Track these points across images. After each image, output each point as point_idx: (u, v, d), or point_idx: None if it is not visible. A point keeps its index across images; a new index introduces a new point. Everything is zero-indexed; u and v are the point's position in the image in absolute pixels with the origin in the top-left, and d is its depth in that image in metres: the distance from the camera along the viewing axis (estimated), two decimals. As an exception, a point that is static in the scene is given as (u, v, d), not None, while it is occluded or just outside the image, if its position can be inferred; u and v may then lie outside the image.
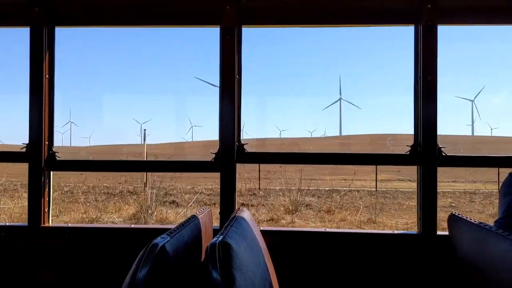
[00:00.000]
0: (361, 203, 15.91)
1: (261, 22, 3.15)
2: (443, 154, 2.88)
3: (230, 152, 2.95)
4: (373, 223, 12.94)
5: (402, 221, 13.16)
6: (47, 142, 3.07)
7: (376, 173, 21.89)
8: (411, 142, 2.96)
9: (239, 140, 3.00)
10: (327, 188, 19.07)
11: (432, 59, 2.87)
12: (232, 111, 2.96)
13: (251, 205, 15.44)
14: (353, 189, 19.15)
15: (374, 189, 20.32)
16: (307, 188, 17.96)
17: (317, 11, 3.05)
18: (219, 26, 2.99)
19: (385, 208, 15.27)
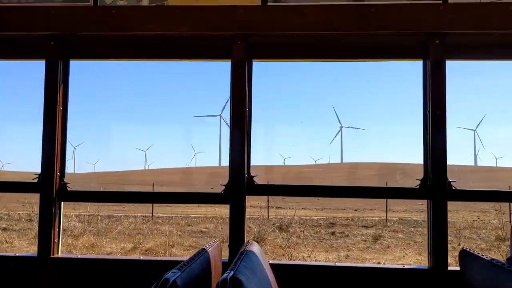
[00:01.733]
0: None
1: (271, 57, 3.23)
2: (453, 188, 2.88)
3: (240, 184, 2.97)
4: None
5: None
6: (58, 173, 3.11)
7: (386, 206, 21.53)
8: (421, 174, 2.97)
9: (249, 173, 3.02)
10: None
11: (441, 93, 2.91)
12: (242, 144, 2.99)
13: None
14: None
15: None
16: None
17: (326, 47, 3.12)
18: (230, 60, 3.05)
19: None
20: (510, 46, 3.02)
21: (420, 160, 2.99)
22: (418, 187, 2.95)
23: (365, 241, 14.69)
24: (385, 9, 2.93)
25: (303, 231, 15.69)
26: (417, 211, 23.46)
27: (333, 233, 15.83)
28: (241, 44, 3.02)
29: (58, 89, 3.09)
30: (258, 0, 3.01)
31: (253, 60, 3.11)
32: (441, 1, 2.91)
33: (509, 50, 3.05)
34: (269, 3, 3.01)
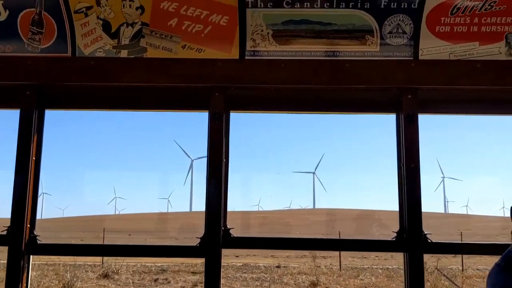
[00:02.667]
0: None
1: (248, 109, 3.27)
2: (429, 241, 2.90)
3: (216, 237, 2.92)
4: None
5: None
6: (28, 225, 3.01)
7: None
8: (397, 223, 2.99)
9: (225, 225, 2.98)
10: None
11: (414, 147, 2.98)
12: (219, 196, 2.97)
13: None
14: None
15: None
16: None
17: (303, 100, 3.18)
18: (208, 111, 3.08)
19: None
20: (478, 101, 3.13)
21: (396, 207, 3.03)
22: (394, 239, 2.96)
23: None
24: (359, 65, 3.03)
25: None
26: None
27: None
28: (219, 96, 3.05)
29: (32, 139, 3.04)
30: (236, 54, 3.07)
31: (230, 111, 3.15)
32: (412, 58, 3.02)
33: (478, 105, 3.16)
34: (247, 57, 3.08)
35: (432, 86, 3.02)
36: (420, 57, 3.01)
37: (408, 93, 3.01)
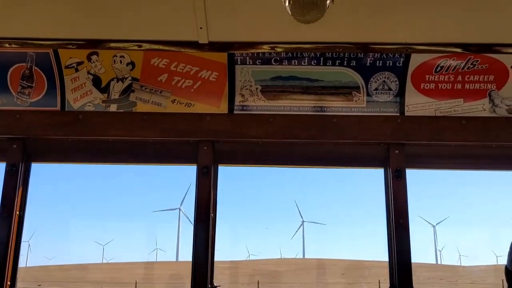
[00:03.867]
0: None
1: (236, 162, 3.28)
2: (420, 299, 2.85)
3: None
4: None
5: None
6: (9, 282, 2.91)
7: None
8: (387, 273, 2.96)
9: (211, 282, 2.91)
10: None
11: (402, 201, 2.97)
12: (206, 252, 2.92)
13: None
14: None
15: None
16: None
17: (292, 154, 3.19)
18: (196, 164, 3.07)
19: None
20: (464, 157, 3.17)
21: (386, 257, 2.99)
22: None
23: None
24: (346, 120, 3.07)
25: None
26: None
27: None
28: (207, 150, 3.06)
29: (17, 193, 2.99)
30: (225, 108, 3.10)
31: (219, 165, 3.14)
32: (398, 114, 3.07)
33: (464, 161, 3.20)
34: (235, 111, 3.11)
35: (418, 141, 3.06)
36: (406, 113, 3.07)
37: (395, 149, 3.03)
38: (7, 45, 2.78)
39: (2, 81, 3.03)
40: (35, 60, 2.98)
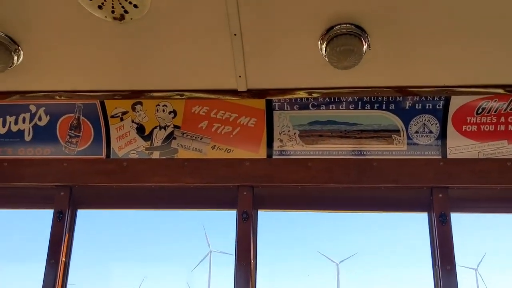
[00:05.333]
0: None
1: (276, 207, 3.27)
2: None
3: None
4: None
5: None
6: None
7: None
8: None
9: None
10: None
11: (448, 247, 2.87)
12: None
13: None
14: None
15: None
16: None
17: (333, 198, 3.17)
18: (236, 210, 3.08)
19: None
20: (511, 200, 3.05)
21: None
22: None
23: None
24: (387, 164, 3.03)
25: None
26: None
27: None
28: (246, 195, 3.07)
29: (63, 239, 3.08)
30: (263, 154, 3.13)
31: (258, 210, 3.15)
32: (440, 157, 3.02)
33: (511, 204, 3.08)
34: (274, 157, 3.13)
35: (463, 185, 2.98)
36: (449, 156, 3.01)
37: (438, 192, 2.96)
38: (57, 97, 2.95)
39: (51, 131, 3.17)
40: (82, 110, 3.13)
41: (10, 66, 2.52)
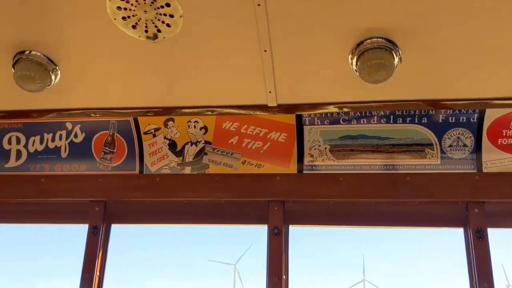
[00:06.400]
0: None
1: (307, 222, 3.25)
2: None
3: None
4: None
5: None
6: None
7: None
8: None
9: None
10: None
11: (486, 264, 2.79)
12: None
13: None
14: None
15: None
16: None
17: (362, 213, 3.13)
18: (267, 225, 3.08)
19: None
20: None
21: None
22: None
23: None
24: (420, 178, 2.99)
25: None
26: None
27: None
28: (277, 210, 3.07)
29: (98, 254, 3.13)
30: (294, 169, 3.13)
31: (289, 225, 3.13)
32: (476, 171, 2.95)
33: None
34: (305, 171, 3.12)
35: (500, 199, 2.90)
36: (484, 170, 2.94)
37: (474, 207, 2.89)
38: (92, 114, 3.03)
39: (87, 148, 3.26)
40: (116, 127, 3.21)
41: (48, 85, 2.61)
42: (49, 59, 2.52)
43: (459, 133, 2.94)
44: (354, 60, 2.35)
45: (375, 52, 2.27)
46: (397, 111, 2.93)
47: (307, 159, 3.12)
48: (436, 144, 2.98)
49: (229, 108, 2.94)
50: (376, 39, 2.28)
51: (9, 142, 3.31)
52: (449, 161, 2.97)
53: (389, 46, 2.28)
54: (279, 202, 3.09)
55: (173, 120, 3.14)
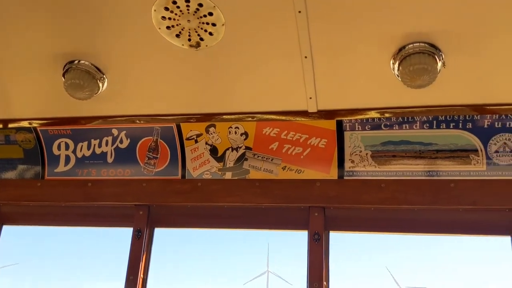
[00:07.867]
0: None
1: (348, 229, 3.22)
2: None
3: None
4: None
5: None
6: None
7: None
8: None
9: None
10: None
11: None
12: None
13: None
14: None
15: None
16: None
17: (405, 221, 3.08)
18: (307, 231, 3.08)
19: None
20: None
21: None
22: None
23: None
24: (465, 185, 2.91)
25: None
26: None
27: None
28: (318, 216, 3.06)
29: (142, 257, 3.21)
30: (335, 174, 3.12)
31: (330, 231, 3.12)
32: None
33: None
34: (345, 177, 3.10)
35: None
36: None
37: None
38: (137, 121, 3.12)
39: (132, 154, 3.36)
40: (160, 133, 3.29)
41: (96, 93, 2.72)
42: (97, 68, 2.63)
43: (505, 139, 2.86)
44: (396, 65, 2.34)
45: (418, 57, 2.25)
46: (440, 116, 2.87)
47: (347, 165, 3.10)
48: (481, 150, 2.90)
49: (270, 114, 2.97)
50: (418, 44, 2.25)
51: (59, 148, 3.45)
52: (495, 167, 2.89)
53: (432, 50, 2.25)
54: (320, 208, 3.08)
55: (214, 126, 3.19)
